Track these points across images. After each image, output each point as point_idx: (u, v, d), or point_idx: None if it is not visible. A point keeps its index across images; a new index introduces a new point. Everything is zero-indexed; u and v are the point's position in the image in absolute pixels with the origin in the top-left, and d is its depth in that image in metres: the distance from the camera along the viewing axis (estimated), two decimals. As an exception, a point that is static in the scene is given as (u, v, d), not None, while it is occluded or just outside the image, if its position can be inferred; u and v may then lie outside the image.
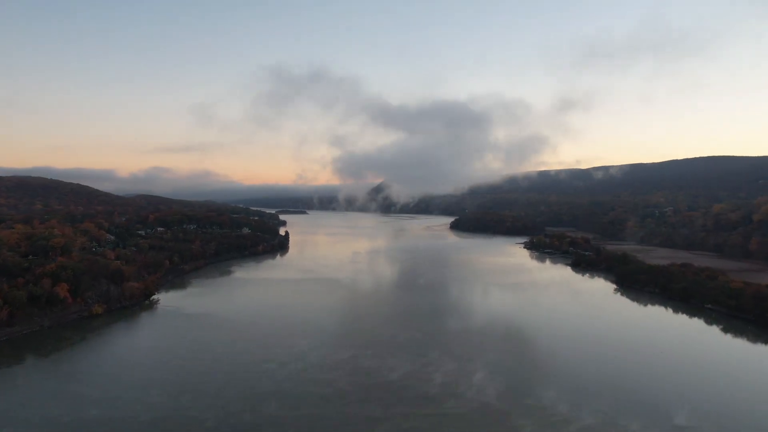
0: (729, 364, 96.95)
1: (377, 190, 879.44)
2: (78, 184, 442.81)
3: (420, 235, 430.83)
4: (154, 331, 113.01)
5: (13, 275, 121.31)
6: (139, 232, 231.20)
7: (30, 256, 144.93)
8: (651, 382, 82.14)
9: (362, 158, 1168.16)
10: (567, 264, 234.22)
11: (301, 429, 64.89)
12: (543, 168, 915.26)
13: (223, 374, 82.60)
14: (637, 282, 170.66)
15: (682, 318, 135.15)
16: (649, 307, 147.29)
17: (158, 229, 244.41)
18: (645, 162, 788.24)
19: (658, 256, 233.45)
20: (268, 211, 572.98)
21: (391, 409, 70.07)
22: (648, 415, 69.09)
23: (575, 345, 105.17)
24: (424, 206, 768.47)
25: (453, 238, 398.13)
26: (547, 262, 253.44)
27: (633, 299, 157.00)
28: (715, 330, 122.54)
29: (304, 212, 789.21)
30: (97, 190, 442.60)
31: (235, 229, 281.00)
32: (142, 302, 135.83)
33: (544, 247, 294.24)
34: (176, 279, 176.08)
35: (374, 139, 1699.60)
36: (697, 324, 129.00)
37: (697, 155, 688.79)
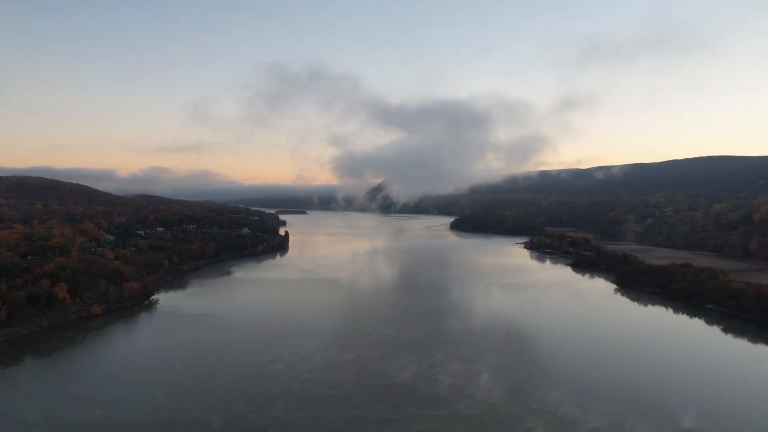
0: (730, 364, 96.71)
1: (377, 189, 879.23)
2: (77, 184, 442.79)
3: (420, 235, 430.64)
4: (153, 332, 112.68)
5: (12, 275, 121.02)
6: (139, 232, 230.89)
7: (29, 257, 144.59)
8: (651, 382, 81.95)
9: (362, 158, 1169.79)
10: (567, 264, 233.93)
11: (311, 431, 64.13)
12: (544, 168, 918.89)
13: (228, 375, 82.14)
14: (638, 282, 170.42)
15: (683, 318, 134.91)
16: (650, 307, 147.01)
17: (158, 229, 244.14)
18: (645, 162, 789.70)
19: (659, 256, 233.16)
20: (267, 211, 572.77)
21: (401, 410, 69.55)
22: (650, 415, 68.82)
23: (576, 345, 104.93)
24: (424, 206, 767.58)
25: (453, 238, 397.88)
26: (547, 262, 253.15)
27: (633, 299, 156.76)
28: (715, 330, 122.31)
29: (304, 212, 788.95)
30: (96, 190, 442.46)
31: (235, 229, 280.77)
32: (142, 302, 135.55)
33: (544, 247, 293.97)
34: (176, 279, 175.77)
35: (374, 139, 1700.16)
36: (697, 324, 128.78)
37: (697, 155, 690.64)
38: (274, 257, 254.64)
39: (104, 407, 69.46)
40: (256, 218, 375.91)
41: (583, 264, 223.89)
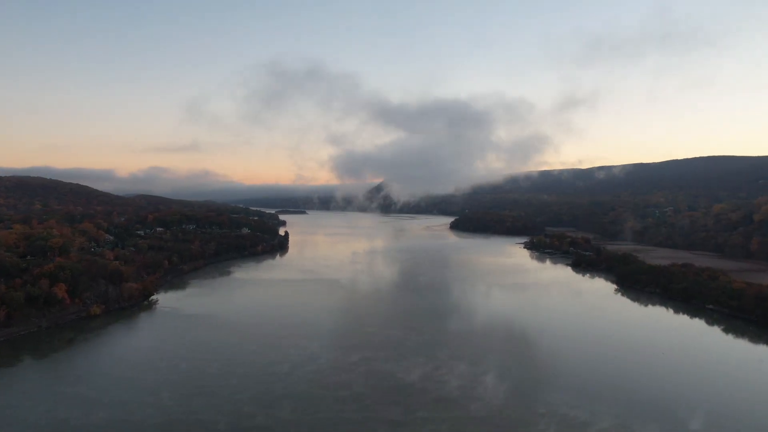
0: (730, 364, 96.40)
1: (377, 189, 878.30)
2: (77, 184, 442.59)
3: (420, 235, 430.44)
4: (154, 332, 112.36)
5: (11, 276, 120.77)
6: (138, 232, 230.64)
7: (28, 257, 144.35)
8: (651, 383, 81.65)
9: (361, 157, 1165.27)
10: (567, 264, 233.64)
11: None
12: (545, 168, 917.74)
13: (234, 376, 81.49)
14: (638, 282, 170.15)
15: (683, 318, 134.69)
16: (650, 307, 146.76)
17: (157, 229, 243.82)
18: (646, 162, 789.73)
19: (659, 256, 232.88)
20: (267, 211, 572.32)
21: (412, 412, 68.96)
22: (650, 415, 68.49)
23: (577, 346, 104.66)
24: (424, 206, 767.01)
25: (453, 238, 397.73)
26: (548, 262, 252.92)
27: (634, 299, 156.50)
28: (716, 330, 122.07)
29: (303, 212, 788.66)
30: (96, 190, 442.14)
31: (235, 229, 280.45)
32: (141, 303, 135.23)
33: (544, 247, 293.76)
34: (175, 279, 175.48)
35: (374, 138, 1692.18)
36: (698, 324, 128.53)
37: (698, 155, 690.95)
38: (273, 257, 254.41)
39: (109, 408, 68.96)
40: (255, 218, 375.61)
41: (584, 264, 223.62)
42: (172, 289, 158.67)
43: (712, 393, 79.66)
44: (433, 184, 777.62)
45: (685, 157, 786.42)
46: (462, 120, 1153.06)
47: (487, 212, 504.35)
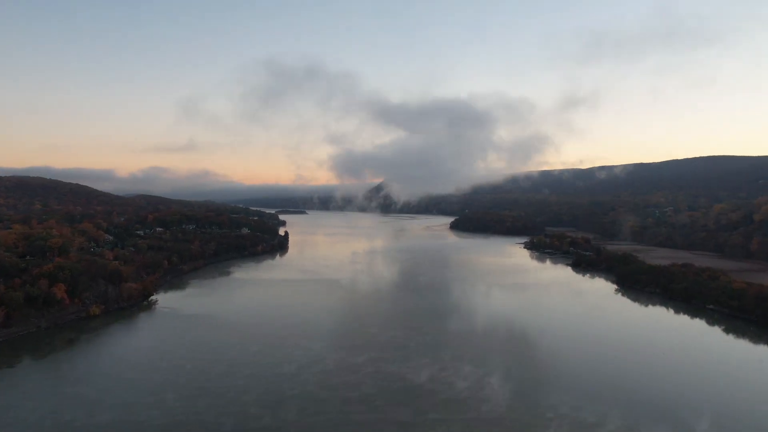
0: (730, 364, 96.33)
1: (377, 189, 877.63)
2: (77, 184, 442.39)
3: (420, 235, 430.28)
4: (154, 332, 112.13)
5: (10, 276, 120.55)
6: (138, 232, 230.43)
7: (27, 257, 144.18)
8: (652, 383, 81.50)
9: (361, 157, 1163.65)
10: (567, 264, 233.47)
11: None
12: (545, 167, 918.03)
13: (239, 377, 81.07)
14: (638, 282, 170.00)
15: (684, 318, 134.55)
16: (650, 307, 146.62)
17: (157, 229, 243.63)
18: (646, 162, 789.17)
19: (659, 256, 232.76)
20: (267, 211, 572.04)
21: (422, 414, 68.45)
22: (650, 415, 68.38)
23: (577, 346, 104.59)
24: (424, 206, 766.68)
25: (453, 238, 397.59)
26: (548, 262, 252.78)
27: (634, 299, 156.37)
28: (716, 331, 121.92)
29: (303, 212, 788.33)
30: (96, 190, 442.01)
31: (235, 229, 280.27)
32: (141, 303, 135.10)
33: (544, 247, 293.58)
34: (175, 279, 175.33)
35: (374, 138, 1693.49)
36: (698, 324, 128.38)
37: (698, 155, 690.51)
38: (273, 257, 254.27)
39: (113, 410, 68.60)
40: (255, 218, 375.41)
41: (584, 264, 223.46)
42: (171, 289, 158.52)
43: (713, 393, 79.56)
44: (433, 184, 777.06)
45: (686, 157, 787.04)
46: (462, 120, 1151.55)
47: (487, 212, 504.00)
